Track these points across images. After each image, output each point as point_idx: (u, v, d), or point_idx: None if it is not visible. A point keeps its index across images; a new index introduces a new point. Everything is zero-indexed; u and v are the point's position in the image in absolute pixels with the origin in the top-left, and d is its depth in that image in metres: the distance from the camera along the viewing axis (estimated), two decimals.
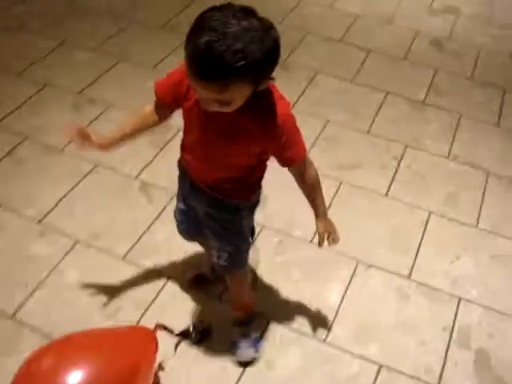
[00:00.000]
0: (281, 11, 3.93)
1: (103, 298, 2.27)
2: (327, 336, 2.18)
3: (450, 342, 2.20)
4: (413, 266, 2.43)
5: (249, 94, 1.44)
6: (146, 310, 2.23)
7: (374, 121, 3.13)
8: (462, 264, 2.48)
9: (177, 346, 2.07)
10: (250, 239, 1.98)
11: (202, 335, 2.15)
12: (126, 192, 2.69)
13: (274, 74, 1.46)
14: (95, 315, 2.22)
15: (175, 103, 1.68)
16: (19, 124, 3.01)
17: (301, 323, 2.22)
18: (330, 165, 2.83)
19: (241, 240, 1.92)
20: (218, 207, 1.83)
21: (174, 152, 1.89)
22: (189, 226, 2.06)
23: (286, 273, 2.39)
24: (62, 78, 3.32)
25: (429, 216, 2.64)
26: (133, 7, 3.93)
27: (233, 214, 1.83)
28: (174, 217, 2.09)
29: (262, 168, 1.80)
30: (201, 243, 2.20)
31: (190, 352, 2.11)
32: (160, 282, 2.33)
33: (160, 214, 2.57)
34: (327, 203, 2.58)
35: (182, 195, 1.96)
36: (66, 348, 1.75)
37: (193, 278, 2.34)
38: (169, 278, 2.34)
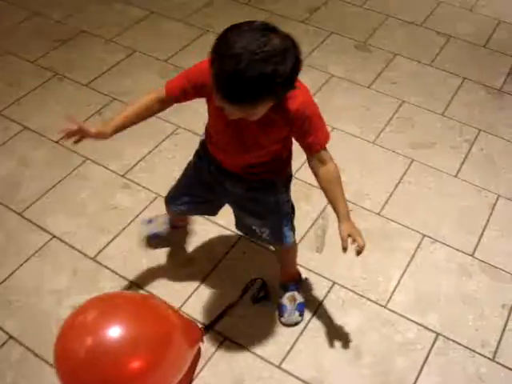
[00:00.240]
0: None
1: (178, 251, 2.43)
2: (388, 302, 2.27)
3: (508, 319, 2.24)
4: (477, 245, 2.48)
5: (273, 103, 1.49)
6: (216, 265, 2.39)
7: (449, 104, 3.17)
8: None
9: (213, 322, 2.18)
10: (292, 215, 2.00)
11: (261, 295, 2.26)
12: None
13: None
14: (172, 265, 2.38)
15: (190, 99, 1.71)
16: (108, 86, 3.21)
17: (363, 288, 2.31)
18: (402, 143, 2.90)
19: (281, 217, 1.95)
20: (253, 189, 1.87)
21: None
22: (190, 207, 2.11)
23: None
24: (149, 45, 3.50)
25: (497, 199, 2.68)
26: None
27: (269, 192, 1.88)
28: (172, 196, 2.15)
29: (289, 146, 1.82)
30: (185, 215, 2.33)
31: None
32: (232, 239, 2.46)
33: None
34: (397, 180, 2.72)
35: (197, 179, 1.99)
36: (110, 304, 1.87)
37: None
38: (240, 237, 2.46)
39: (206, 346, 2.11)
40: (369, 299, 2.28)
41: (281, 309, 2.21)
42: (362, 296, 2.29)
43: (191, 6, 3.84)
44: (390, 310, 2.25)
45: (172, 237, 2.45)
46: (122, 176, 2.72)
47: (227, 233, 2.47)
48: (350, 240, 1.72)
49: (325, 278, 2.33)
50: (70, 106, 3.08)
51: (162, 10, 3.81)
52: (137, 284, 2.30)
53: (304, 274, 2.33)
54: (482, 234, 2.53)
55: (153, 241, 2.43)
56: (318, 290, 2.30)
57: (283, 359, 2.09)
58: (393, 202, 2.64)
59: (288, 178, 1.94)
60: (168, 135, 2.92)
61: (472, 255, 2.45)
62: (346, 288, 2.31)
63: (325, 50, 3.54)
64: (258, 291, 2.26)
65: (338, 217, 1.73)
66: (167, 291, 2.26)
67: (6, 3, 3.87)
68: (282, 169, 1.88)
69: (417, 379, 2.05)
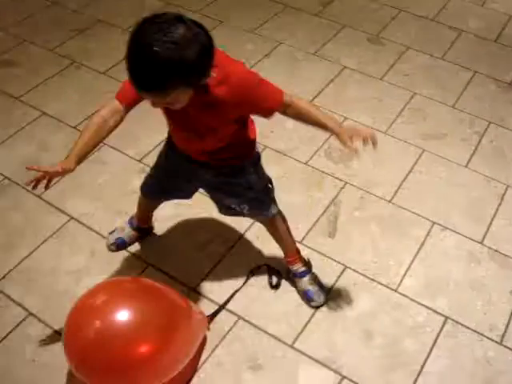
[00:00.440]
0: None
1: (193, 234, 2.49)
2: (398, 286, 2.32)
3: None
4: (486, 233, 2.53)
5: (192, 92, 1.52)
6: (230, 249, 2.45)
7: (459, 97, 3.22)
8: None
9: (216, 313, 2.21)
10: (269, 187, 2.07)
11: (275, 280, 2.32)
12: None
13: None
14: (187, 247, 2.44)
15: (139, 102, 1.74)
16: (125, 74, 3.21)
17: (374, 272, 2.37)
18: (413, 133, 2.95)
19: (257, 193, 2.02)
20: (222, 174, 1.95)
21: None
22: (165, 192, 2.20)
23: (365, 226, 2.54)
24: None
25: (506, 190, 2.72)
26: None
27: (238, 176, 1.95)
28: (147, 183, 2.23)
29: (248, 127, 1.85)
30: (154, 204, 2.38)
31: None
32: (246, 224, 2.52)
33: None
34: (408, 169, 2.77)
35: (170, 169, 2.06)
36: (119, 289, 1.94)
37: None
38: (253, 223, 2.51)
39: (220, 326, 2.16)
40: (380, 283, 2.33)
41: (307, 294, 2.24)
42: (373, 280, 2.34)
43: None
44: (400, 293, 2.30)
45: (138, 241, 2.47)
46: (139, 161, 2.78)
47: (241, 218, 2.52)
48: (356, 141, 1.60)
49: (337, 261, 2.39)
50: (87, 93, 3.14)
51: (178, 0, 3.86)
52: (152, 265, 2.36)
53: (317, 259, 2.38)
54: (490, 222, 2.58)
55: (120, 248, 2.43)
56: (330, 274, 2.35)
57: (296, 339, 2.14)
58: (404, 190, 2.69)
59: (256, 159, 1.99)
60: None
61: (481, 243, 2.49)
62: (357, 272, 2.36)
63: (338, 42, 3.60)
64: (271, 277, 2.32)
65: (333, 131, 1.65)
66: (182, 273, 2.33)
67: None
68: (248, 153, 1.95)
69: (426, 361, 2.11)
